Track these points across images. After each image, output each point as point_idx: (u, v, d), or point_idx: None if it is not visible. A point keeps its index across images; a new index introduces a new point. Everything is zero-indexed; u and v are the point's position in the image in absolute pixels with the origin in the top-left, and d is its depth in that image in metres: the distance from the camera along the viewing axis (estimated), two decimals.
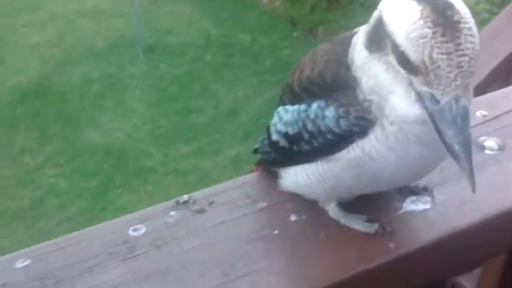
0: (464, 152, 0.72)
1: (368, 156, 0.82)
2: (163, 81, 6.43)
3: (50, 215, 4.99)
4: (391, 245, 0.90)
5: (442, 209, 0.96)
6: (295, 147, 0.91)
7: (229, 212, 0.96)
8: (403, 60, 0.74)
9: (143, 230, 0.93)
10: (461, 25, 0.71)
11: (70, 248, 0.89)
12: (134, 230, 0.93)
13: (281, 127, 0.93)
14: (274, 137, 0.95)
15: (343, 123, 0.82)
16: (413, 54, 0.72)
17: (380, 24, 0.77)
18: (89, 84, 6.39)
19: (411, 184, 0.97)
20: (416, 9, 0.72)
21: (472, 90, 0.76)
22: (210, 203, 0.97)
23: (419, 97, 0.74)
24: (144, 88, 6.35)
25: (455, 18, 0.72)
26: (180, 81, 6.42)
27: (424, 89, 0.73)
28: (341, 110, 0.82)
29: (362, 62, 0.81)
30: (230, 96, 6.22)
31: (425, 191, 0.97)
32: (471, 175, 0.72)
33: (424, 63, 0.72)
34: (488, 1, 5.58)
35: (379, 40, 0.77)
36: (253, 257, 0.89)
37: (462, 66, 0.71)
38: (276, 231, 0.93)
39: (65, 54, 6.71)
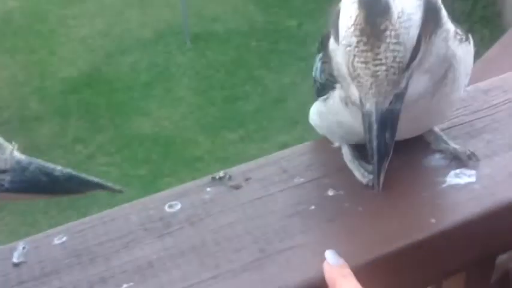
0: (376, 156, 0.79)
1: (337, 108, 0.91)
2: (210, 69, 6.45)
3: (101, 203, 5.03)
4: (433, 220, 0.87)
5: (487, 183, 0.91)
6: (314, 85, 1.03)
7: (265, 188, 0.94)
8: None
9: (179, 206, 0.92)
10: (387, 33, 0.73)
11: (107, 224, 0.89)
12: (170, 206, 0.92)
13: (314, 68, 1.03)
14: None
15: (323, 75, 0.94)
16: (343, 59, 0.78)
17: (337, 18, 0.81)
18: (137, 73, 6.49)
19: (459, 149, 0.95)
20: (353, 15, 0.75)
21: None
22: (246, 179, 0.96)
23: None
24: (191, 76, 6.40)
25: (383, 26, 0.73)
26: (226, 68, 6.43)
27: (357, 91, 0.79)
28: (323, 65, 0.93)
29: (332, 47, 0.86)
30: (277, 83, 6.19)
31: (470, 159, 0.93)
32: (375, 179, 0.82)
33: (349, 69, 0.77)
34: None
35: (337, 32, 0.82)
36: (290, 232, 0.87)
37: (378, 76, 0.74)
38: (313, 207, 0.91)
39: (113, 45, 6.82)
